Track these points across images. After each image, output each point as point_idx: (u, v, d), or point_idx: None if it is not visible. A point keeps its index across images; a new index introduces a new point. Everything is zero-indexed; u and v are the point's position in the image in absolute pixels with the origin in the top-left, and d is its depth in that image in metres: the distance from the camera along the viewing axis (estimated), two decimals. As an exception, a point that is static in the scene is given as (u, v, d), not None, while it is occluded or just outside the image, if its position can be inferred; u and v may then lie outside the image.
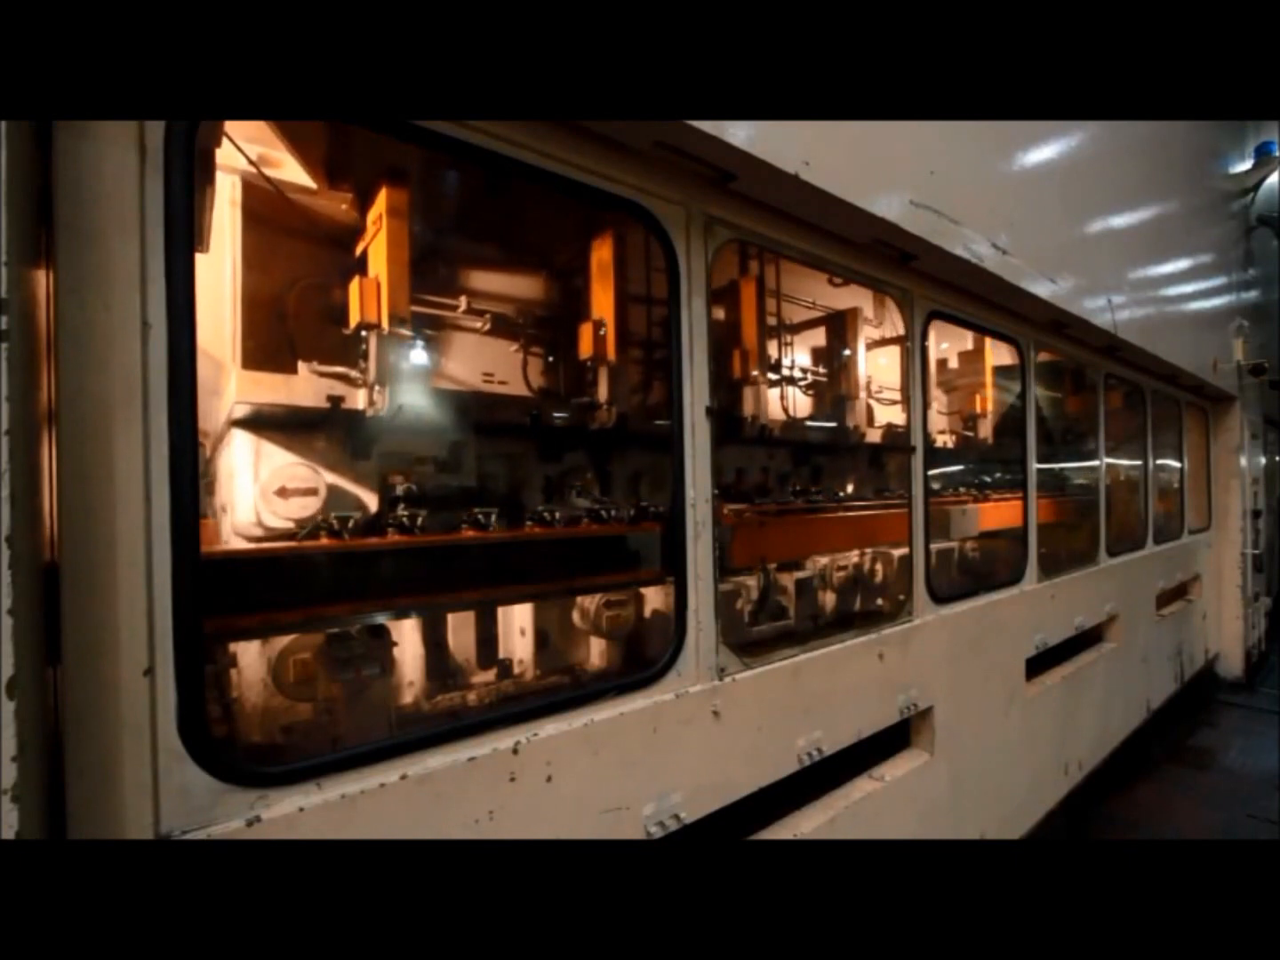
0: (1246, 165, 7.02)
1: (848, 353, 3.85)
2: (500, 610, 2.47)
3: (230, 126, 1.87)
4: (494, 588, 2.10)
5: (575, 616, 2.43)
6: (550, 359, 2.80)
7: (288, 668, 1.79)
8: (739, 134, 1.69)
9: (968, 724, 3.00)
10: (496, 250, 2.74)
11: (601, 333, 2.42)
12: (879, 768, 2.60)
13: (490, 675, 2.44)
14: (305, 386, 1.90)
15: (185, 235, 1.13)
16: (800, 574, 3.07)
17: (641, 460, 2.84)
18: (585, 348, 2.44)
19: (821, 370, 4.10)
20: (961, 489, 4.31)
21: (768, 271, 3.49)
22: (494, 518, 2.07)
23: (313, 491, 1.84)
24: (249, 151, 1.98)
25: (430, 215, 2.32)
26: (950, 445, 4.42)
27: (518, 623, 2.51)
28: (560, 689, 2.37)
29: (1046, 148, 3.28)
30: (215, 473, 2.03)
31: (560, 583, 2.28)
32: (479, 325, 2.60)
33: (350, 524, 1.84)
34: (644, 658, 2.32)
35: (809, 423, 3.75)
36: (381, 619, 1.89)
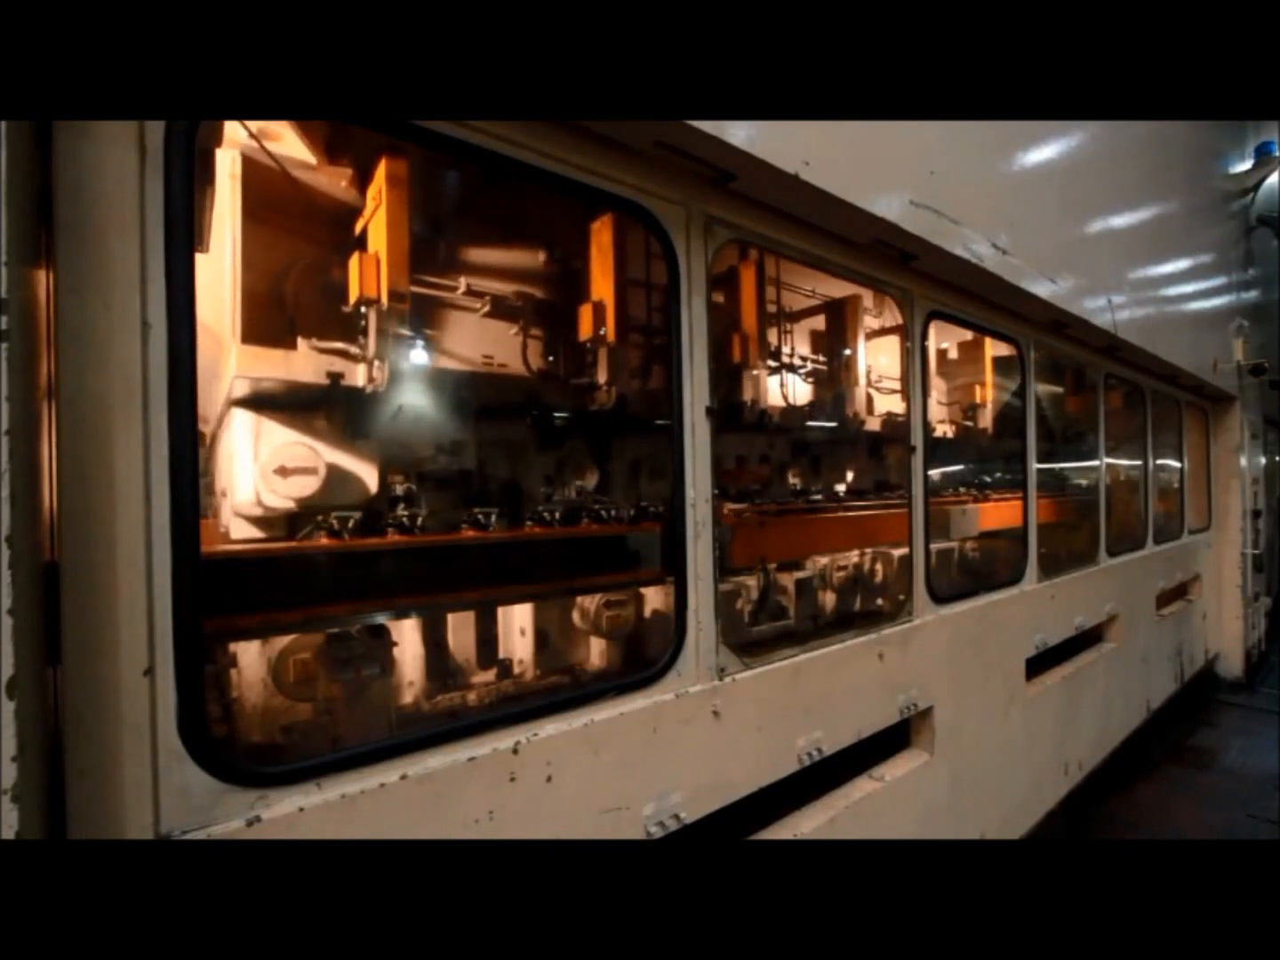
0: (1246, 165, 7.02)
1: (847, 342, 3.83)
2: (500, 610, 2.47)
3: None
4: (492, 588, 2.10)
5: (575, 616, 2.43)
6: (550, 341, 2.78)
7: (288, 668, 1.80)
8: (739, 134, 1.69)
9: (968, 724, 3.00)
10: (496, 232, 2.73)
11: (601, 315, 2.41)
12: (879, 768, 2.60)
13: (489, 675, 2.44)
14: (305, 362, 1.90)
15: (185, 235, 1.13)
16: (800, 574, 3.07)
17: (641, 448, 2.82)
18: (585, 329, 2.43)
19: (821, 359, 4.08)
20: (961, 489, 4.30)
21: (767, 258, 3.47)
22: (494, 518, 2.07)
23: (312, 470, 1.84)
24: (249, 124, 1.97)
25: (430, 197, 2.31)
26: (950, 435, 4.39)
27: (517, 623, 2.51)
28: (560, 689, 2.37)
29: (1046, 148, 3.28)
30: (215, 454, 2.02)
31: (559, 583, 2.28)
32: (478, 307, 2.58)
33: (350, 524, 1.84)
34: (643, 657, 2.32)
35: (810, 421, 3.74)
36: (381, 619, 1.89)
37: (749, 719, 2.02)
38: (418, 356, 2.26)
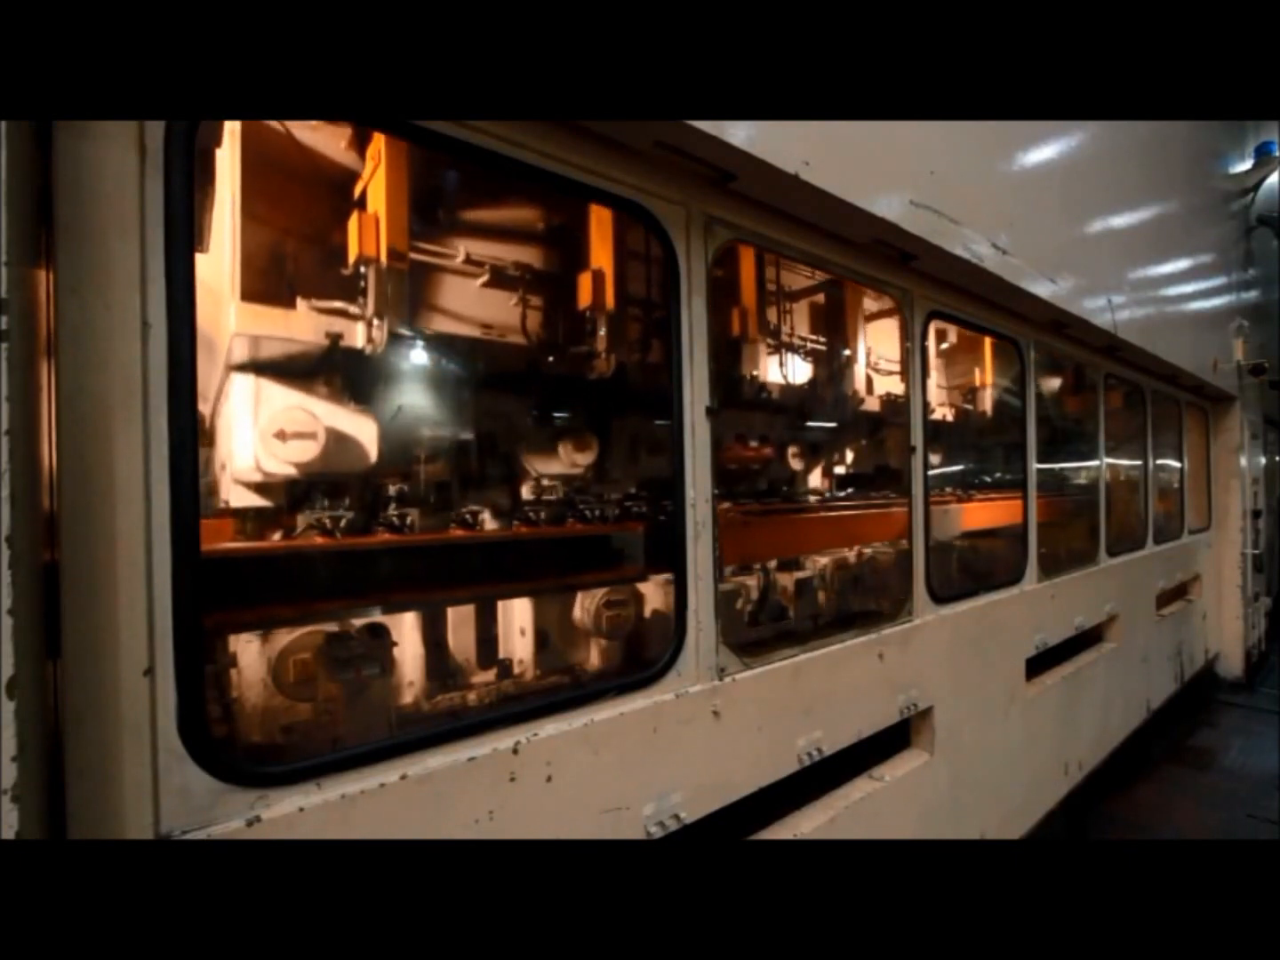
0: (1246, 165, 7.02)
1: (846, 323, 3.79)
2: (495, 609, 2.46)
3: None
4: (481, 585, 2.11)
5: (559, 613, 2.42)
6: (549, 311, 2.75)
7: (288, 668, 1.79)
8: (739, 134, 1.69)
9: (968, 724, 3.00)
10: (496, 203, 2.71)
11: (601, 283, 2.40)
12: (879, 768, 2.60)
13: (487, 674, 2.44)
14: (304, 322, 1.90)
15: (185, 235, 1.13)
16: (798, 573, 3.07)
17: (640, 423, 2.79)
18: (584, 298, 2.42)
19: (821, 339, 4.04)
20: (947, 488, 4.24)
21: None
22: (482, 516, 2.10)
23: (311, 435, 1.83)
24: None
25: (429, 164, 2.30)
26: (948, 419, 4.34)
27: (511, 621, 2.50)
28: (560, 689, 2.37)
29: (1046, 148, 3.28)
30: (215, 423, 2.02)
31: (548, 580, 2.28)
32: (478, 273, 2.56)
33: (342, 523, 1.87)
34: (640, 657, 2.32)
35: (809, 399, 3.68)
36: (373, 615, 1.90)
37: (749, 719, 2.02)
38: (417, 318, 2.24)
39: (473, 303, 2.59)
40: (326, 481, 1.99)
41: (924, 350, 2.90)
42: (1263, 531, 6.99)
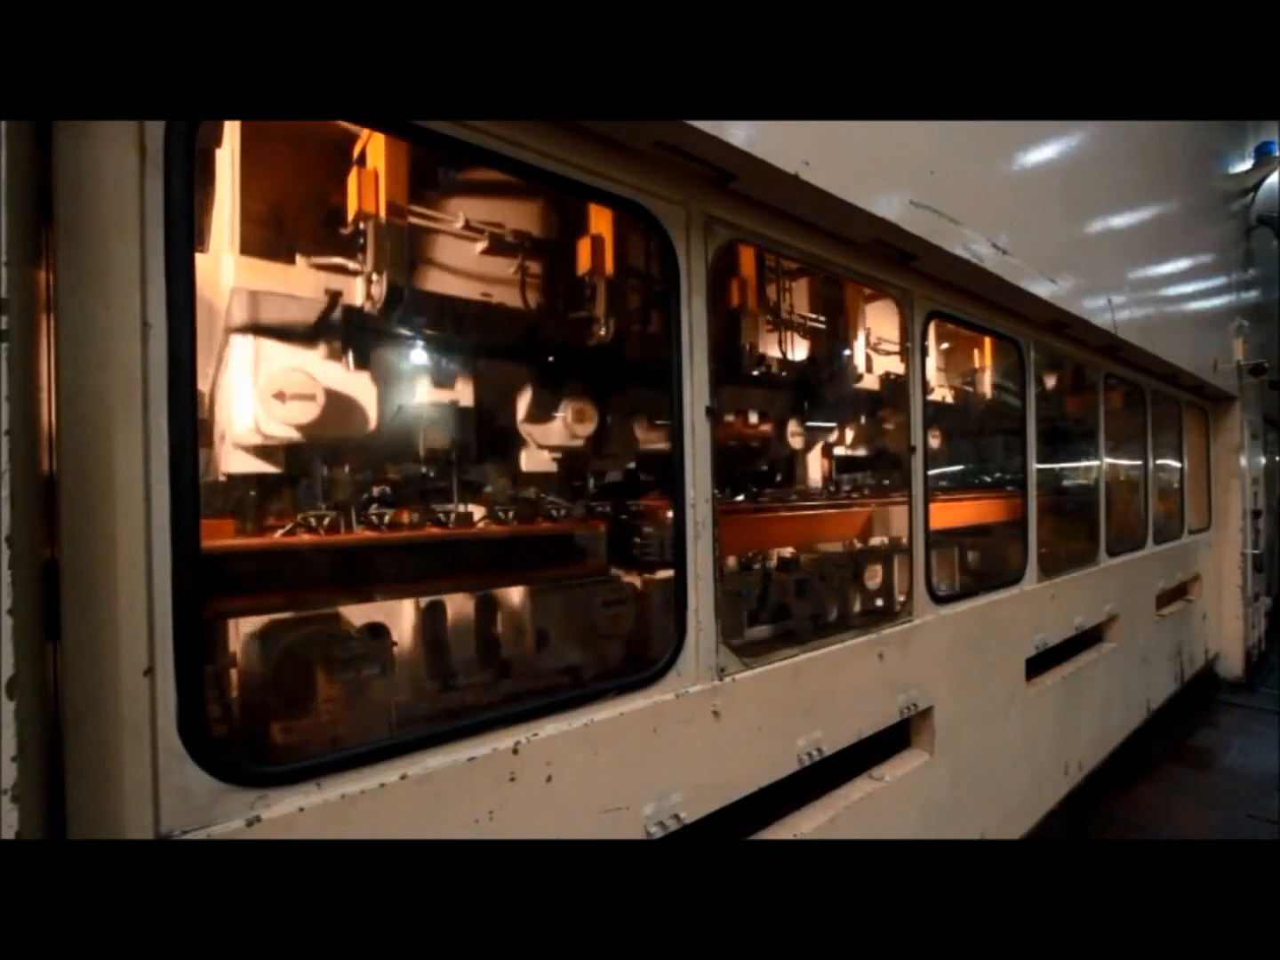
0: (1246, 165, 7.02)
1: (845, 301, 3.73)
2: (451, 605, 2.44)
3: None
4: (453, 578, 2.12)
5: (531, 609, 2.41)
6: (548, 277, 2.70)
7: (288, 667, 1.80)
8: (739, 134, 1.69)
9: (968, 724, 3.00)
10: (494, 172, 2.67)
11: (600, 248, 2.38)
12: (879, 768, 2.60)
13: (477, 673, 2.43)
14: (303, 278, 1.89)
15: (185, 235, 1.13)
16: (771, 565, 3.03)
17: (640, 396, 2.77)
18: (584, 263, 2.40)
19: (820, 318, 3.98)
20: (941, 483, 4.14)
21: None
22: (453, 517, 2.14)
23: (310, 397, 1.83)
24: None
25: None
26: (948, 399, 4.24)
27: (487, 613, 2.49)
28: (560, 689, 2.37)
29: (1046, 148, 3.28)
30: (216, 386, 2.01)
31: (513, 575, 2.28)
32: (477, 242, 2.54)
33: (325, 521, 1.91)
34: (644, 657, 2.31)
35: (809, 376, 3.59)
36: (354, 605, 1.93)
37: (749, 719, 2.02)
38: (415, 276, 2.22)
39: (472, 268, 2.53)
40: (325, 448, 1.99)
41: (924, 350, 2.90)
42: (1263, 531, 6.99)
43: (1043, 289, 3.18)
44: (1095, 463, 4.60)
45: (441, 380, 2.29)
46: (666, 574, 2.03)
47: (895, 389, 3.55)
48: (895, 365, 3.72)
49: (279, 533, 1.90)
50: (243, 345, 1.87)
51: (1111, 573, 4.49)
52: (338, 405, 1.98)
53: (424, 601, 2.21)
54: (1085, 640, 4.29)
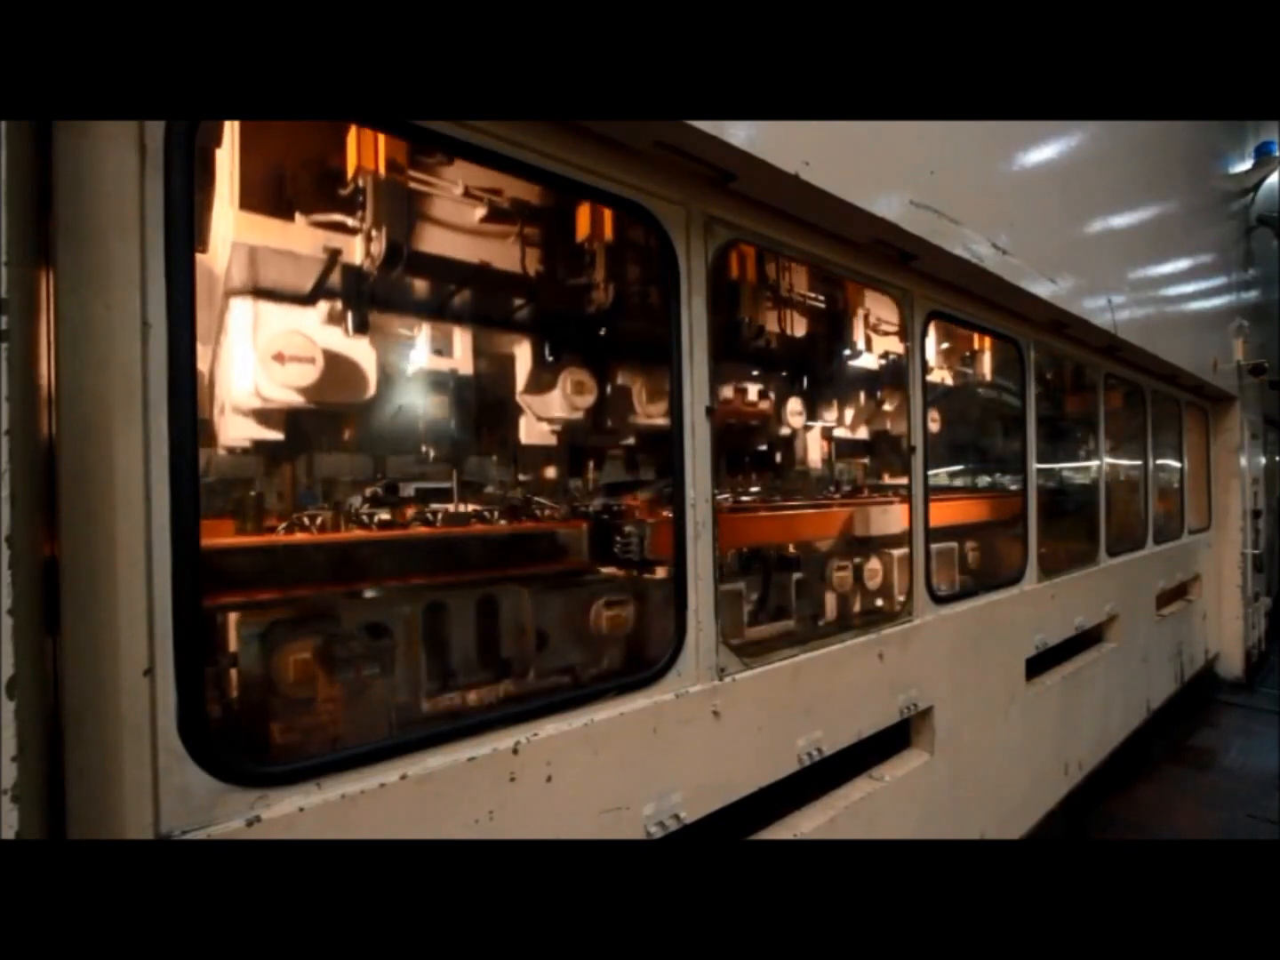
0: (1246, 165, 7.02)
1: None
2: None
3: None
4: (439, 574, 2.11)
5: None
6: (548, 245, 2.65)
7: (288, 667, 1.79)
8: (739, 134, 1.69)
9: (968, 724, 3.00)
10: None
11: (599, 213, 2.33)
12: (879, 768, 2.60)
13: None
14: (302, 235, 1.87)
15: (185, 235, 1.13)
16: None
17: (636, 367, 2.74)
18: (582, 230, 2.37)
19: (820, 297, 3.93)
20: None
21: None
22: (439, 518, 2.14)
23: (309, 359, 1.83)
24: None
25: None
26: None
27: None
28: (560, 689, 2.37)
29: (1046, 148, 3.28)
30: (217, 351, 2.00)
31: (500, 571, 2.27)
32: (476, 211, 2.52)
33: (319, 520, 1.92)
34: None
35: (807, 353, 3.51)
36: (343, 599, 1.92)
37: (749, 719, 2.02)
38: (415, 236, 2.19)
39: (471, 233, 2.49)
40: (324, 414, 1.98)
41: (924, 350, 2.90)
42: (1263, 531, 6.99)
43: (1043, 289, 3.18)
44: (1095, 462, 4.60)
45: (440, 348, 2.29)
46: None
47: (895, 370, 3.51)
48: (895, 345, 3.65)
49: (279, 529, 1.90)
50: (241, 306, 1.86)
51: (1111, 573, 4.50)
52: (337, 369, 1.96)
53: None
54: (1085, 640, 4.28)
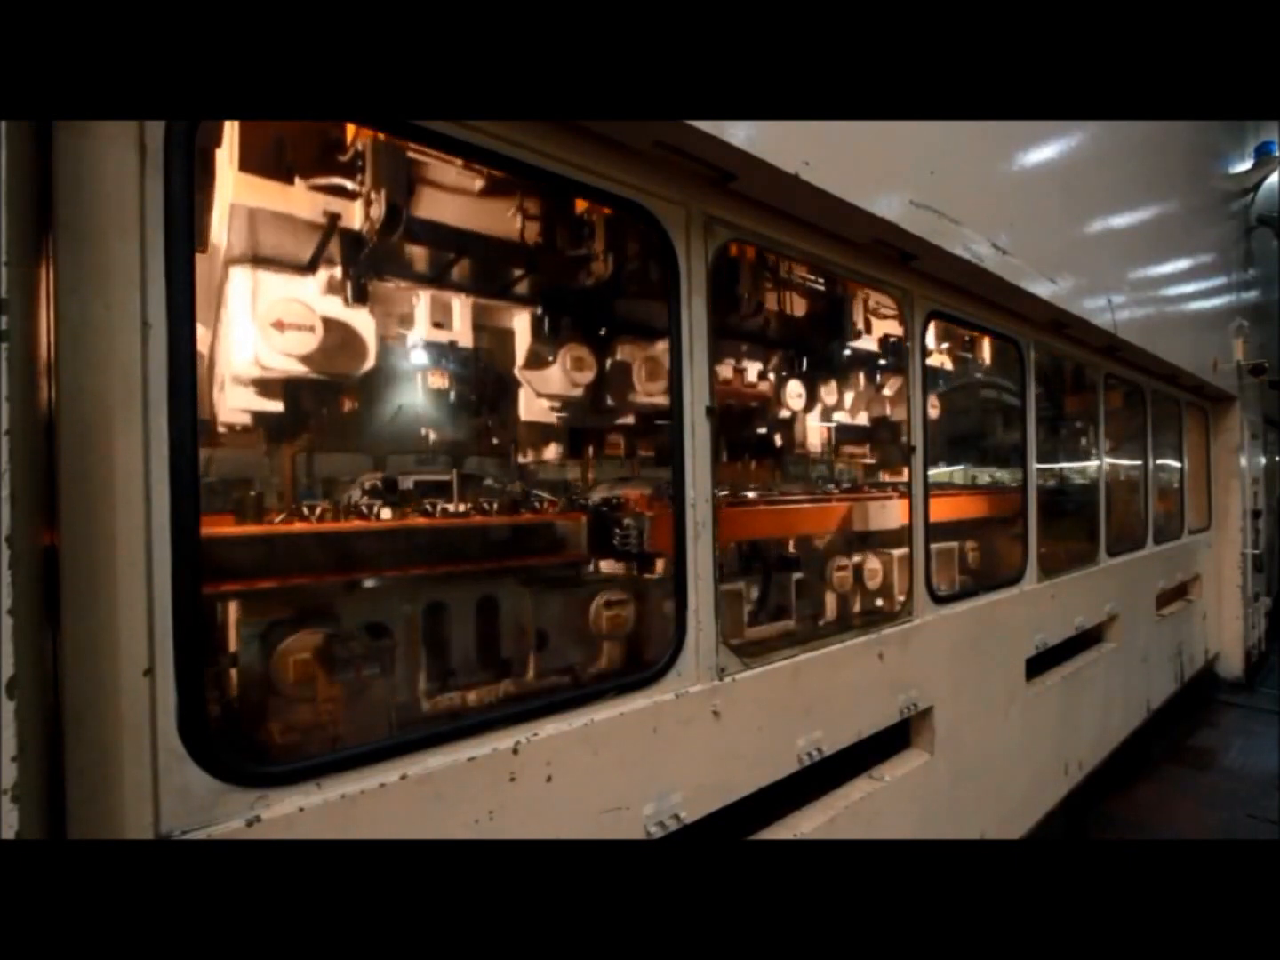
0: (1246, 165, 7.02)
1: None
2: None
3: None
4: (439, 564, 2.10)
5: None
6: (547, 216, 2.65)
7: (288, 667, 1.79)
8: (739, 134, 1.69)
9: (968, 724, 3.00)
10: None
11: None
12: (879, 768, 2.60)
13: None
14: (302, 199, 1.86)
15: (185, 235, 1.13)
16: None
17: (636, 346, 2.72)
18: (581, 202, 2.35)
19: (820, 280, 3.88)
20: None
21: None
22: (439, 508, 2.15)
23: (309, 328, 1.82)
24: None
25: None
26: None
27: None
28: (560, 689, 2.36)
29: (1047, 148, 3.28)
30: (218, 320, 1.99)
31: (500, 562, 2.26)
32: (475, 182, 2.49)
33: (319, 511, 1.93)
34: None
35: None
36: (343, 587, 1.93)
37: (749, 719, 2.02)
38: (414, 199, 2.16)
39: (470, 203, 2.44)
40: (324, 385, 1.97)
41: (924, 350, 2.90)
42: (1263, 531, 6.99)
43: (1043, 289, 3.18)
44: (1095, 462, 4.60)
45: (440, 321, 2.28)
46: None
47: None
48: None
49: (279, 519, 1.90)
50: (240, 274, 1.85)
51: (1111, 573, 4.49)
52: (336, 336, 1.96)
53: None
54: (1085, 640, 4.28)
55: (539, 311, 2.54)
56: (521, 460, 2.88)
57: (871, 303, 3.52)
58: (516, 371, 2.50)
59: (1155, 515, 5.38)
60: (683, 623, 1.89)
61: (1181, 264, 5.21)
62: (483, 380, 2.52)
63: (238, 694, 1.74)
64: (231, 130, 1.83)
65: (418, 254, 2.38)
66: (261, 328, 1.78)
